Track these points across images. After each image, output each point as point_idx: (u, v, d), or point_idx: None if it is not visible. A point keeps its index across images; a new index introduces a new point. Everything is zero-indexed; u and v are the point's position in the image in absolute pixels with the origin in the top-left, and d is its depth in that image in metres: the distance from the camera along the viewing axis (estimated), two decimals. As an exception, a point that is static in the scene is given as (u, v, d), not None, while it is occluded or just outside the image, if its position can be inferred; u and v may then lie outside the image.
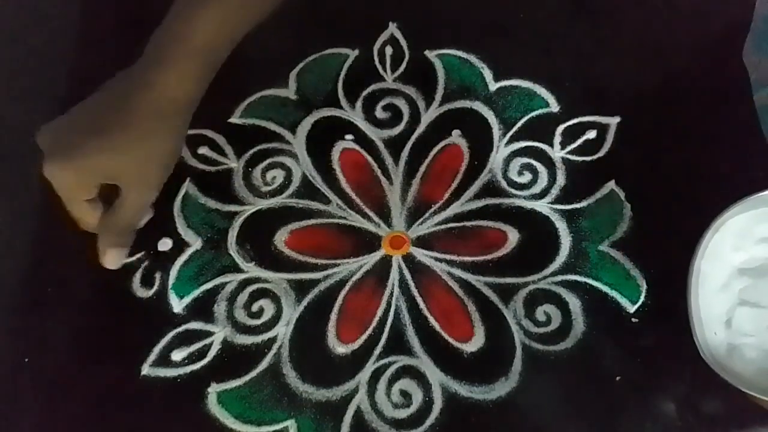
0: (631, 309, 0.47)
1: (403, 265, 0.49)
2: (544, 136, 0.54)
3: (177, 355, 0.46)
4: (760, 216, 0.43)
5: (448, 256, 0.49)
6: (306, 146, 0.54)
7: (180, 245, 0.50)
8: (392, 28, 0.60)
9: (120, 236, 0.47)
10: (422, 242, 0.50)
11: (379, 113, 0.55)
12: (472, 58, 0.58)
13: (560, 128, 0.54)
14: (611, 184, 0.51)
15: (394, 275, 0.48)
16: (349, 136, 0.54)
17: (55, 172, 0.44)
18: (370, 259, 0.49)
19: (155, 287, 0.48)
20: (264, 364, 0.45)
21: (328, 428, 0.43)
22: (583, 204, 0.51)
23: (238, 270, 0.49)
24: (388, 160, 0.53)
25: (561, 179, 0.52)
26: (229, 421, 0.44)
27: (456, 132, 0.54)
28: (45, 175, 0.44)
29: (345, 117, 0.55)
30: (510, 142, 0.54)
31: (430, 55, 0.58)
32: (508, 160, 0.53)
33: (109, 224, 0.46)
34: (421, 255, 0.49)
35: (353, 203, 0.51)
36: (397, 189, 0.52)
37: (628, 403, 0.44)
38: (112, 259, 0.47)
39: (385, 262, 0.49)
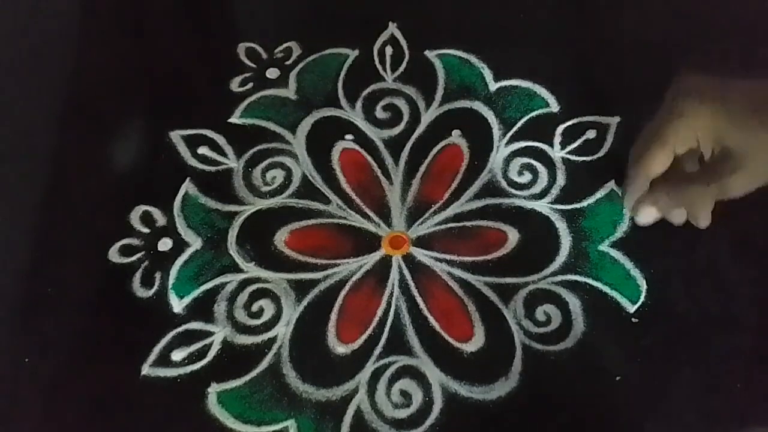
0: (631, 309, 0.47)
1: (403, 265, 0.49)
2: (544, 136, 0.54)
3: (177, 355, 0.46)
4: None
5: (448, 256, 0.49)
6: (306, 146, 0.54)
7: (180, 245, 0.50)
8: (392, 28, 0.60)
9: (673, 200, 0.45)
10: (422, 242, 0.50)
11: (379, 113, 0.55)
12: (472, 58, 0.58)
13: (560, 128, 0.54)
14: (611, 184, 0.51)
15: (394, 275, 0.48)
16: (349, 136, 0.54)
17: (691, 108, 0.44)
18: (370, 259, 0.49)
19: (155, 287, 0.48)
20: (264, 364, 0.45)
21: (328, 428, 0.43)
22: (583, 204, 0.51)
23: (238, 270, 0.49)
24: (388, 160, 0.53)
25: (561, 179, 0.52)
26: (229, 421, 0.43)
27: (456, 132, 0.54)
28: (679, 105, 0.45)
29: (345, 117, 0.55)
30: (510, 142, 0.54)
31: (430, 55, 0.58)
32: (508, 160, 0.53)
33: (691, 186, 0.45)
34: (421, 255, 0.49)
35: (353, 203, 0.51)
36: (397, 189, 0.52)
37: (628, 403, 0.44)
38: (646, 215, 0.47)
39: (385, 262, 0.49)
